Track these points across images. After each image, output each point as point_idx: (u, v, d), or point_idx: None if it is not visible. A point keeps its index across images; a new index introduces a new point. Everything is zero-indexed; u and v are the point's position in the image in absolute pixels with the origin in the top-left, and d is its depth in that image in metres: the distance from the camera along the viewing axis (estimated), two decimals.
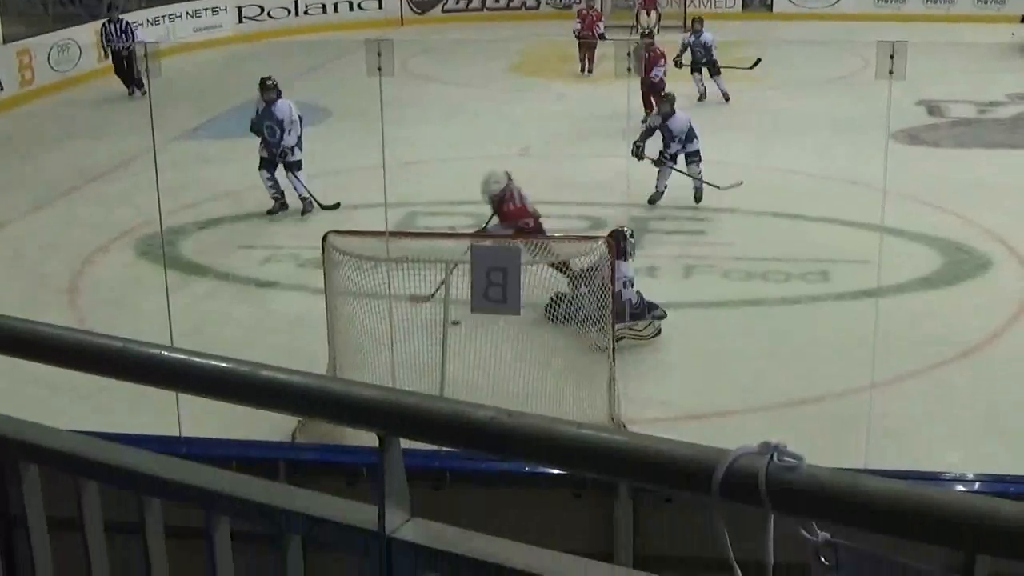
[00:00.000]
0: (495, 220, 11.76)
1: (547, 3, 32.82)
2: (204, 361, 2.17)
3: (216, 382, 2.14)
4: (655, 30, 24.62)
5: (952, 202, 14.52)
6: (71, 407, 8.13)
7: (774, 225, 14.17)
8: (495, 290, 7.93)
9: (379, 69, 8.59)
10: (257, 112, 14.89)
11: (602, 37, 24.19)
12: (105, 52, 23.41)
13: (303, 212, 14.85)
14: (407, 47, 22.54)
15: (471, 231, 11.98)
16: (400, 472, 1.98)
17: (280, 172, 14.82)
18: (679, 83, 19.26)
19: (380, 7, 31.67)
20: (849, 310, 11.36)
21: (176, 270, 12.49)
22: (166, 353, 2.21)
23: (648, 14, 28.52)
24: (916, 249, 12.99)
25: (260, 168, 14.82)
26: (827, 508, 1.60)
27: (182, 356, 2.19)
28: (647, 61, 19.47)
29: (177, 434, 7.08)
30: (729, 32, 24.99)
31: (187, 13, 28.15)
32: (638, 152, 14.57)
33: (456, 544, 1.94)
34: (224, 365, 2.15)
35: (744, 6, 32.41)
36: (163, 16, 27.38)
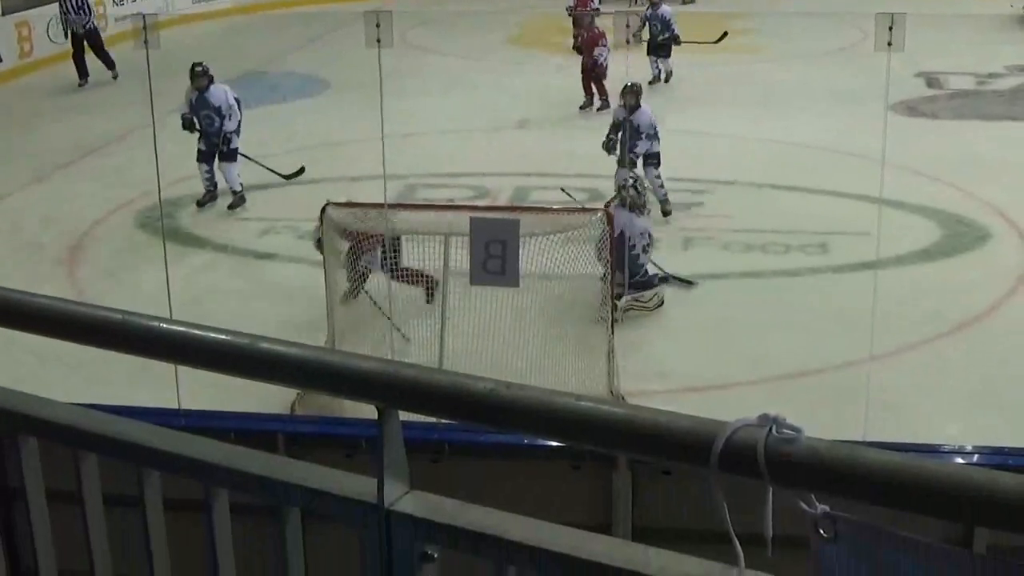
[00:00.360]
0: None
1: None
2: (203, 333, 2.17)
3: (215, 354, 2.14)
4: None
5: (951, 174, 14.49)
6: (66, 379, 8.16)
7: (773, 197, 14.15)
8: (494, 262, 7.92)
9: (378, 41, 8.56)
10: (190, 104, 14.07)
11: (597, 12, 22.50)
12: (65, 33, 21.64)
13: (231, 206, 14.01)
14: (406, 19, 22.44)
15: (470, 203, 11.95)
16: (399, 444, 1.99)
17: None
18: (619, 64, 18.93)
19: None
20: (848, 282, 11.35)
21: (174, 242, 12.48)
22: (165, 325, 2.20)
23: None
24: (915, 221, 12.99)
25: (199, 161, 14.06)
26: (826, 480, 1.60)
27: (181, 328, 2.19)
28: (586, 41, 18.68)
29: (176, 406, 7.10)
30: (726, 3, 24.89)
31: None
32: (610, 147, 13.39)
33: (455, 516, 1.95)
34: (223, 337, 2.15)
35: None
36: None
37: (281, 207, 13.95)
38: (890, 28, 8.00)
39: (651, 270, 11.02)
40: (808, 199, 14.03)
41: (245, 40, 24.71)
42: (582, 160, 14.31)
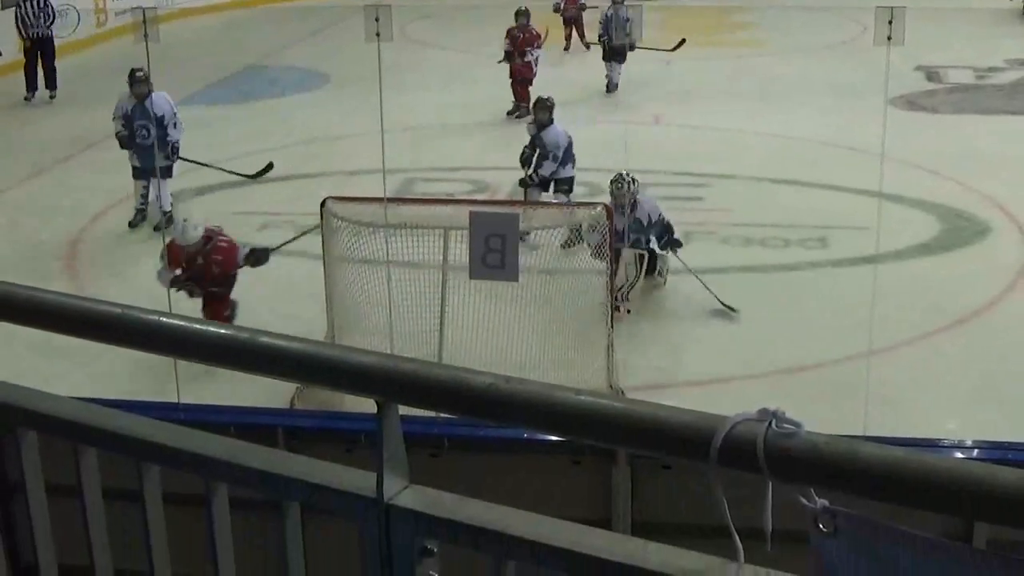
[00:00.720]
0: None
1: None
2: (203, 327, 2.17)
3: (215, 348, 2.14)
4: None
5: (951, 168, 14.48)
6: (68, 373, 8.15)
7: (772, 191, 14.14)
8: (493, 256, 7.91)
9: (377, 34, 8.56)
10: (125, 114, 13.09)
11: (583, 8, 22.29)
12: (23, 36, 20.02)
13: (156, 227, 12.41)
14: (405, 12, 22.39)
15: (469, 197, 11.94)
16: (398, 439, 1.99)
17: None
18: (571, 66, 18.50)
19: None
20: (848, 276, 11.34)
21: None
22: (165, 319, 2.20)
23: None
24: (915, 215, 12.98)
25: (136, 179, 13.21)
26: (825, 475, 1.60)
27: (181, 322, 2.19)
28: (519, 42, 17.90)
29: (175, 400, 7.10)
30: None
31: None
32: (523, 159, 12.68)
33: (454, 511, 1.95)
34: (223, 331, 2.15)
35: None
36: None
37: (280, 201, 13.94)
38: (890, 22, 8.00)
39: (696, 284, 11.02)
40: (808, 193, 14.02)
41: (244, 34, 24.73)
42: (580, 155, 14.29)
